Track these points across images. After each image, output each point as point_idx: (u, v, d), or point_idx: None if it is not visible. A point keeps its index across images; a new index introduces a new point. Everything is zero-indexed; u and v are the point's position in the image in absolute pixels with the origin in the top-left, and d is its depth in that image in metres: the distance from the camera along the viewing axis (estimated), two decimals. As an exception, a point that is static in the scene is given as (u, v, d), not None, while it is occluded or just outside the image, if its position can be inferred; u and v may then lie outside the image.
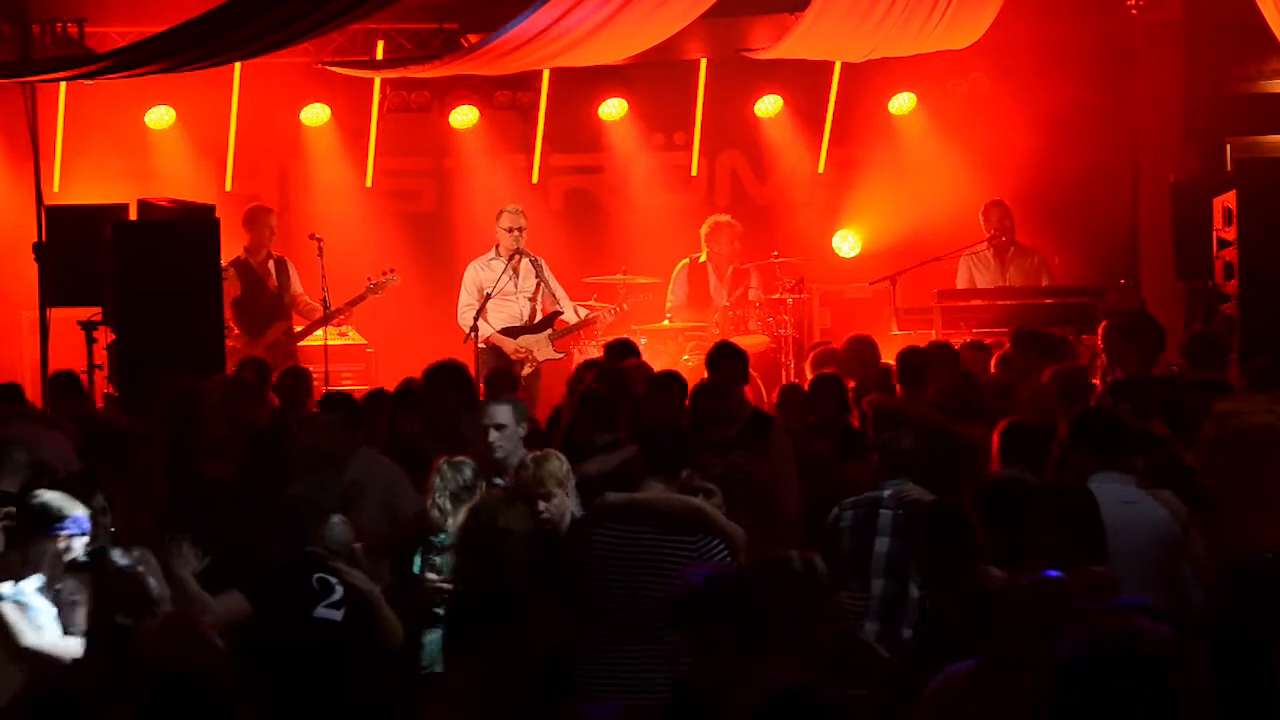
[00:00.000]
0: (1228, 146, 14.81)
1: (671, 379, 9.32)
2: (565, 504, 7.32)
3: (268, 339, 13.53)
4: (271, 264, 13.67)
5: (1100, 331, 11.24)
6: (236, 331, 13.44)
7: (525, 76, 14.86)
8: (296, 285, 13.71)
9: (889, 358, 11.10)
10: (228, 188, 14.94)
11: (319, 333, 13.64)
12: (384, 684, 6.89)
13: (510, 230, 13.70)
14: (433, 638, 7.19)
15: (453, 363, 9.69)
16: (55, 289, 11.87)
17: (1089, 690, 4.06)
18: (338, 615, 6.64)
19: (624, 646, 6.81)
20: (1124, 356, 10.76)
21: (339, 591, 6.67)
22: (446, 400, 9.25)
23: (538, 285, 13.79)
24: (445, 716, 4.92)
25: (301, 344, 13.67)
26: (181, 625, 5.50)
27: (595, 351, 13.55)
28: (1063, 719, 4.09)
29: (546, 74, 15.11)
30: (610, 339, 12.09)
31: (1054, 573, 5.33)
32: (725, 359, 9.36)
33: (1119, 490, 6.74)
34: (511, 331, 13.65)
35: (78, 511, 6.73)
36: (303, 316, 13.67)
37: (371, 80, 14.96)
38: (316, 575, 6.72)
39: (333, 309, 13.52)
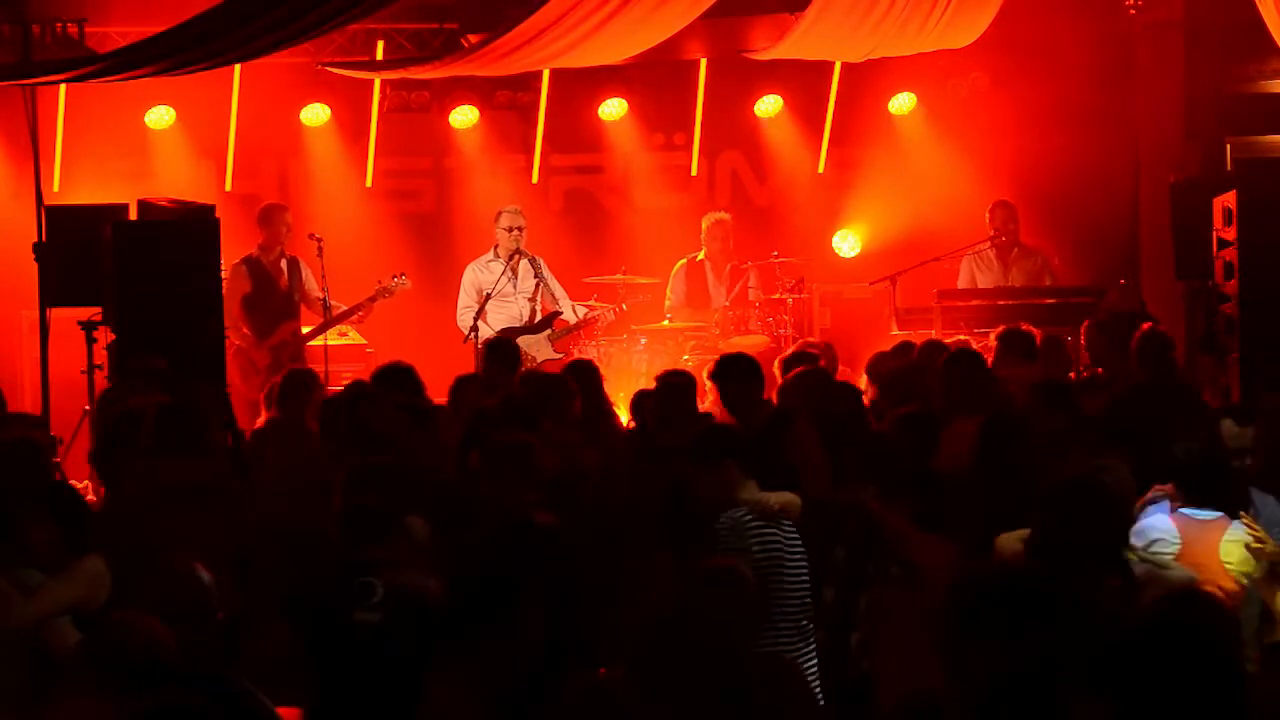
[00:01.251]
0: (1228, 146, 14.82)
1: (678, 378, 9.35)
2: None
3: (274, 339, 13.53)
4: (284, 263, 13.65)
5: (1083, 331, 11.24)
6: (245, 330, 13.48)
7: (525, 76, 14.86)
8: (311, 285, 13.68)
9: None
10: (228, 188, 14.94)
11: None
12: None
13: (509, 230, 13.72)
14: None
15: (399, 365, 9.72)
16: (55, 289, 11.86)
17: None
18: (376, 618, 6.57)
19: (796, 645, 6.90)
20: (1108, 356, 10.76)
21: (379, 593, 6.58)
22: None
23: (537, 285, 13.80)
24: (439, 714, 4.92)
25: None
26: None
27: (594, 351, 13.59)
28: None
29: (546, 74, 15.11)
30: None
31: None
32: (723, 375, 9.21)
33: None
34: (511, 332, 13.64)
35: None
36: (318, 316, 13.64)
37: (371, 80, 14.96)
38: (360, 580, 6.65)
39: (340, 311, 13.55)
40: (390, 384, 9.31)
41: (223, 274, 11.67)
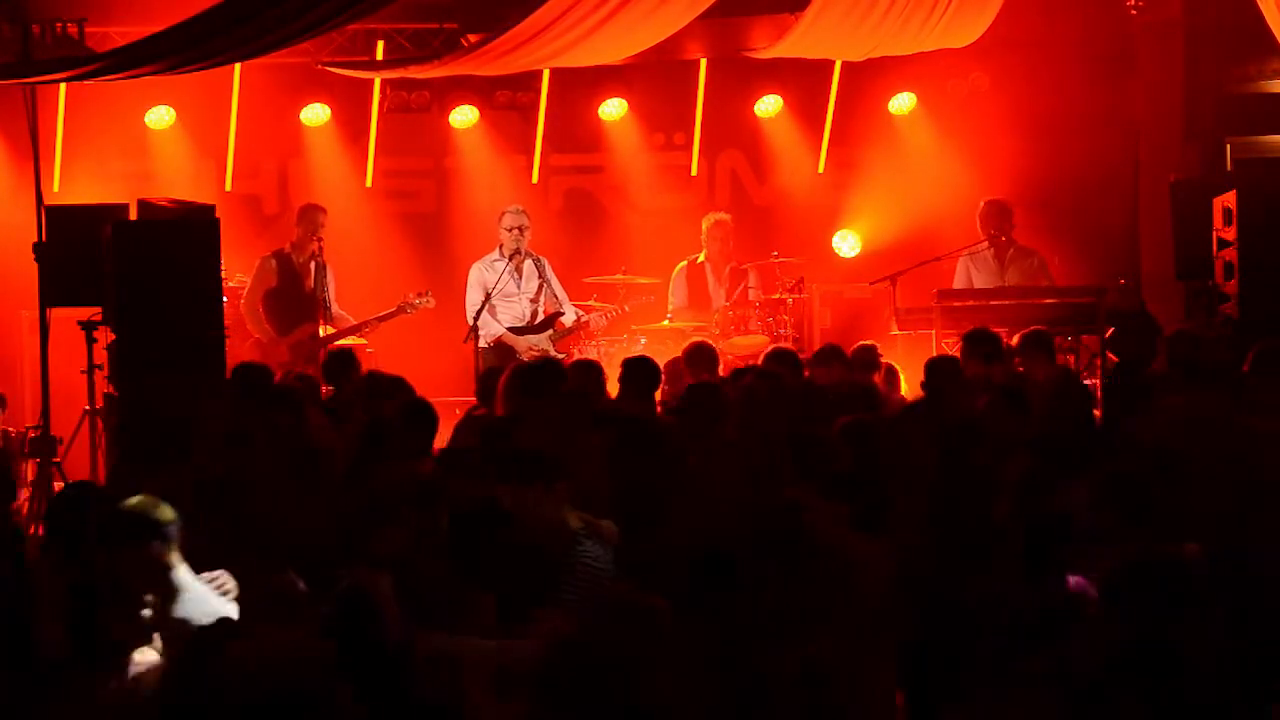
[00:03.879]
0: (1228, 146, 14.83)
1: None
2: None
3: (293, 338, 13.57)
4: (313, 265, 13.69)
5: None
6: (266, 325, 13.58)
7: (525, 76, 14.86)
8: (331, 293, 13.75)
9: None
10: (228, 188, 14.96)
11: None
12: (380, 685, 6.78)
13: (509, 230, 13.75)
14: None
15: (248, 365, 9.88)
16: (55, 289, 11.84)
17: None
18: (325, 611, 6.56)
19: None
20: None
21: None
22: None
23: (540, 286, 13.83)
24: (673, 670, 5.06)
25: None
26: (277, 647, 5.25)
27: (595, 351, 13.60)
28: None
29: (546, 74, 15.12)
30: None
31: None
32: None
33: None
34: (515, 331, 13.72)
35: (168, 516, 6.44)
36: (327, 324, 13.69)
37: (371, 80, 14.96)
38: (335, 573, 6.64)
39: (361, 321, 13.64)
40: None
41: (222, 272, 11.66)
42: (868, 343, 11.38)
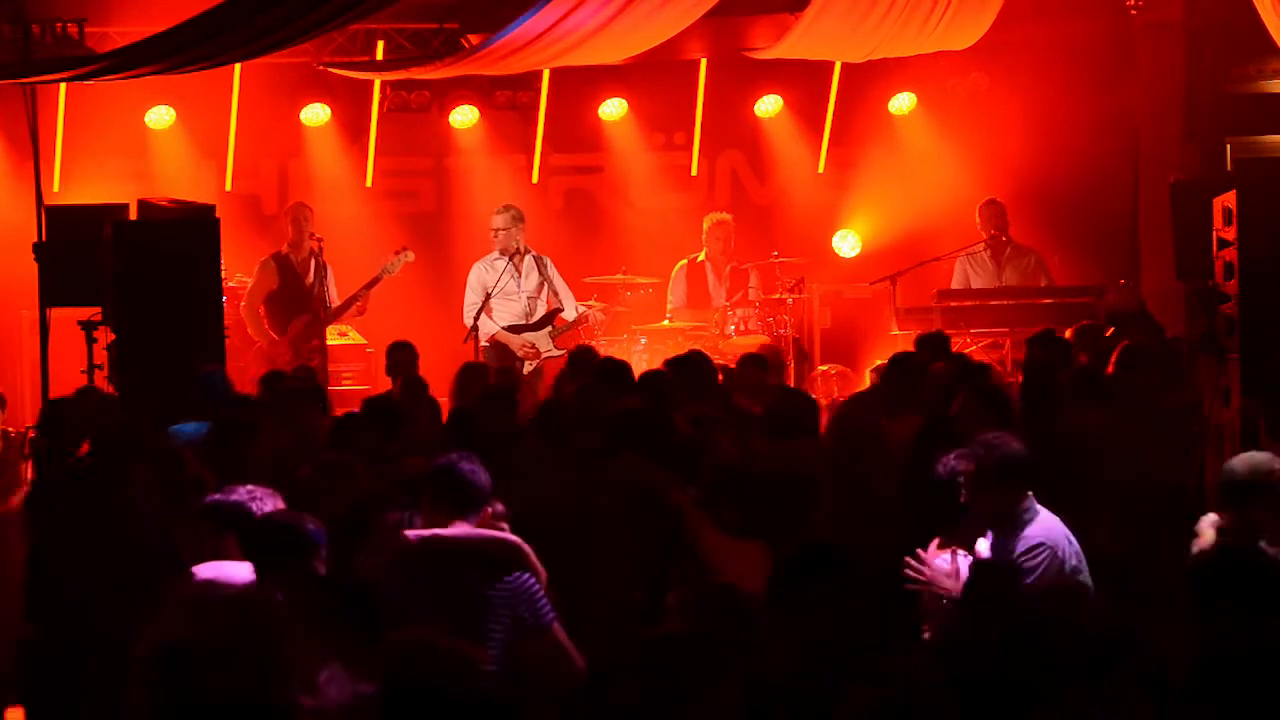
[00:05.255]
0: (1228, 146, 14.81)
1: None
2: None
3: (291, 332, 13.60)
4: (313, 263, 13.72)
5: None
6: (267, 327, 13.62)
7: (525, 76, 14.87)
8: (332, 291, 13.77)
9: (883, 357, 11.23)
10: (228, 188, 14.97)
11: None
12: None
13: (494, 230, 13.80)
14: None
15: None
16: (55, 289, 11.84)
17: None
18: None
19: None
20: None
21: None
22: None
23: (541, 284, 13.84)
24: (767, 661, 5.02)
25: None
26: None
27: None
28: None
29: (546, 74, 15.12)
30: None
31: None
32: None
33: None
34: (514, 329, 13.71)
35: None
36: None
37: (371, 80, 14.97)
38: None
39: (350, 296, 13.72)
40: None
41: (222, 272, 11.67)
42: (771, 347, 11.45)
